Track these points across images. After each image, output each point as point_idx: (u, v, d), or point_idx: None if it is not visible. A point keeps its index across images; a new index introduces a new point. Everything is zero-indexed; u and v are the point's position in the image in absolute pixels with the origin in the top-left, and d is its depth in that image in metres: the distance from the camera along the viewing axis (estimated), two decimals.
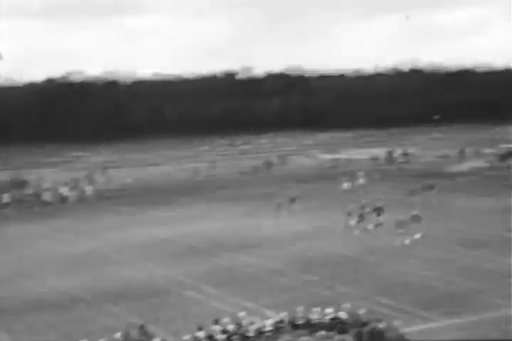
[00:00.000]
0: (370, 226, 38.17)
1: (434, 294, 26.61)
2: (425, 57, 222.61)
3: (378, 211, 38.16)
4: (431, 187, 47.73)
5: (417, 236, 36.17)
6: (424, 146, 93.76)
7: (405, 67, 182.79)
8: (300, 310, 22.29)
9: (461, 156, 79.43)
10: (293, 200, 44.19)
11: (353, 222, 38.38)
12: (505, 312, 24.18)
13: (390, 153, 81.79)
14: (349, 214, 39.36)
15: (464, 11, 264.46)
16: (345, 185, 57.65)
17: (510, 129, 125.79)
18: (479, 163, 70.62)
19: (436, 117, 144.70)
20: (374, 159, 79.82)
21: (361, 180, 59.24)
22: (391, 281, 28.65)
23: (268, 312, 24.62)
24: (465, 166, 69.91)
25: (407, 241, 35.44)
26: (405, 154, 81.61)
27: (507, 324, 22.94)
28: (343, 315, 21.81)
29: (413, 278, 29.04)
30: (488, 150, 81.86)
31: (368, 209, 38.60)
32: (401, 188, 55.51)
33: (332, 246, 35.54)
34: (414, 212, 36.47)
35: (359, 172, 61.28)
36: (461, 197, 49.98)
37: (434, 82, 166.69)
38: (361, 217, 38.39)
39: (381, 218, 37.93)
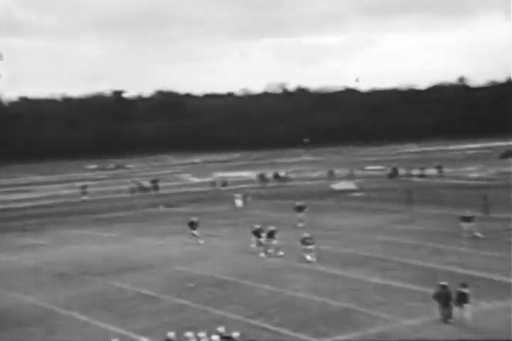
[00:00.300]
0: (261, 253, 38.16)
1: (308, 315, 26.70)
2: (295, 81, 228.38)
3: (272, 234, 38.10)
4: (302, 208, 48.40)
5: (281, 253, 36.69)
6: (295, 169, 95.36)
7: (275, 89, 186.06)
8: (171, 335, 21.79)
9: (331, 178, 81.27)
10: (192, 224, 43.43)
11: (253, 245, 38.27)
12: (377, 329, 24.56)
13: (262, 176, 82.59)
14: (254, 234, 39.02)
15: (332, 37, 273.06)
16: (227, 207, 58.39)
17: (374, 151, 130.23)
18: (348, 185, 72.38)
19: (306, 140, 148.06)
20: (247, 182, 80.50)
21: (238, 202, 59.50)
22: (266, 303, 28.58)
23: (139, 338, 23.99)
24: (335, 187, 71.50)
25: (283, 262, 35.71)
26: (277, 176, 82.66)
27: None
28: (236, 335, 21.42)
29: (287, 298, 29.08)
30: (357, 172, 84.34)
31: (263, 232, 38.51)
32: (277, 210, 56.32)
33: (208, 269, 35.21)
34: (305, 234, 36.68)
35: (236, 195, 61.50)
36: (331, 217, 50.95)
37: (305, 105, 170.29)
38: (259, 241, 38.28)
39: (275, 241, 37.93)
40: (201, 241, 42.00)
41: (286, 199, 62.57)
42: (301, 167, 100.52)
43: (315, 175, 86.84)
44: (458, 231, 41.43)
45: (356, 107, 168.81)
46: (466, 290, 24.63)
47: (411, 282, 30.49)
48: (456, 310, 24.76)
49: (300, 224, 45.22)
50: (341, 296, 28.98)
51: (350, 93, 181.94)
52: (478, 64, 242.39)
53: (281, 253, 37.33)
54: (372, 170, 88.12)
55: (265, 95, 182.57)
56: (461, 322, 24.46)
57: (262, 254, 37.66)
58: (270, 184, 79.57)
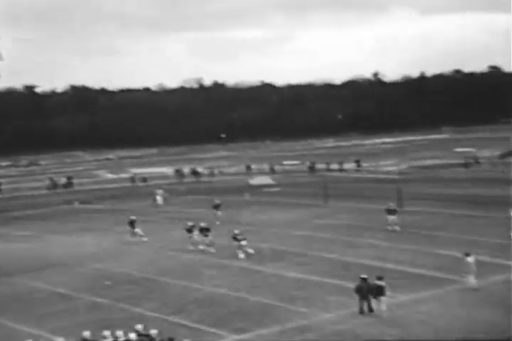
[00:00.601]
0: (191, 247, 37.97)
1: (227, 310, 26.75)
2: (211, 76, 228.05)
3: (204, 230, 37.89)
4: (218, 206, 48.32)
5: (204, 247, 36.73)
6: (213, 164, 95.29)
7: (191, 84, 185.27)
8: (87, 334, 21.47)
9: (248, 173, 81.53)
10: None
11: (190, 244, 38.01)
12: (295, 323, 24.80)
13: (179, 172, 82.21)
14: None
15: (250, 31, 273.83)
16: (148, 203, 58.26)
17: (291, 146, 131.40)
18: (266, 180, 72.78)
19: (223, 136, 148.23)
20: (164, 177, 79.98)
21: (159, 199, 58.93)
22: (184, 300, 28.49)
23: (54, 338, 23.56)
24: (252, 182, 71.77)
25: (199, 258, 35.67)
26: (194, 172, 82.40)
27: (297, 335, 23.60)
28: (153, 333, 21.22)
29: (206, 295, 29.05)
30: (275, 167, 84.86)
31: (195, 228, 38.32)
32: (195, 206, 56.20)
33: (125, 267, 34.84)
34: (236, 231, 36.61)
35: (157, 191, 60.85)
36: (249, 212, 51.13)
37: (222, 100, 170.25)
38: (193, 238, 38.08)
39: (209, 237, 37.70)
40: (145, 239, 41.26)
41: (204, 195, 62.50)
42: (218, 162, 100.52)
43: (232, 170, 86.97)
44: (374, 225, 42.29)
45: (273, 102, 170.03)
46: (382, 283, 25.12)
47: (328, 276, 30.90)
48: (373, 303, 25.23)
49: (217, 222, 45.19)
50: (260, 291, 29.14)
51: (267, 88, 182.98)
52: (392, 59, 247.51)
53: (212, 250, 37.14)
54: (289, 164, 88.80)
55: (181, 90, 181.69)
56: (378, 314, 24.94)
57: (200, 247, 37.45)
58: (187, 179, 79.30)
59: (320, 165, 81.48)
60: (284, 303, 27.21)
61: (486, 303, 25.76)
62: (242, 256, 35.41)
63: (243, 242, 35.79)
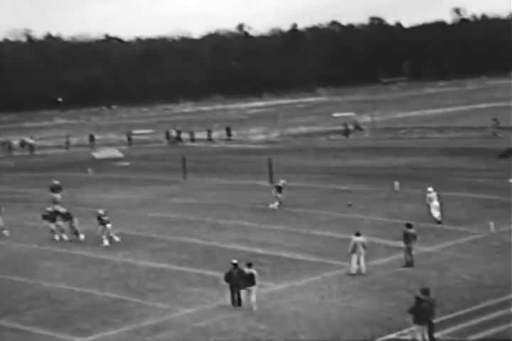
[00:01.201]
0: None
1: (68, 309, 26.37)
2: (42, 27, 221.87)
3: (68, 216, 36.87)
4: (57, 188, 47.27)
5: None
6: (48, 134, 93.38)
7: (18, 37, 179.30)
8: None
9: (92, 145, 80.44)
10: None
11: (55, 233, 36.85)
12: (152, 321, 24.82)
13: (7, 144, 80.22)
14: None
15: None
16: None
17: (143, 113, 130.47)
18: (113, 153, 72.05)
19: (60, 100, 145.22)
20: None
21: None
22: (14, 298, 27.88)
23: None
24: (97, 156, 70.93)
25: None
26: (24, 144, 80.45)
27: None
28: None
29: (42, 291, 28.56)
30: (123, 138, 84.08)
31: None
32: (27, 185, 55.07)
33: None
34: (100, 211, 35.88)
35: None
36: (93, 191, 50.59)
37: (56, 57, 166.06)
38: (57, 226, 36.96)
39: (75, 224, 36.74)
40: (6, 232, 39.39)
41: (39, 172, 61.24)
42: (54, 132, 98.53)
43: (72, 141, 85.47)
44: (241, 204, 42.77)
45: (120, 60, 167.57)
46: (252, 271, 25.42)
47: (189, 264, 30.99)
48: (243, 294, 25.51)
49: (57, 207, 44.24)
50: (108, 285, 28.90)
51: (112, 43, 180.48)
52: (260, 9, 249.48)
53: (82, 236, 36.29)
54: (140, 134, 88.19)
55: (6, 44, 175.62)
56: (247, 307, 25.25)
57: (59, 237, 36.68)
58: (17, 153, 77.45)
59: (182, 135, 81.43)
60: (137, 298, 27.10)
61: (368, 291, 26.57)
62: (106, 243, 35.03)
63: (109, 225, 35.35)
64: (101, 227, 35.40)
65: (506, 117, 69.70)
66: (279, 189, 41.48)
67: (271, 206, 41.23)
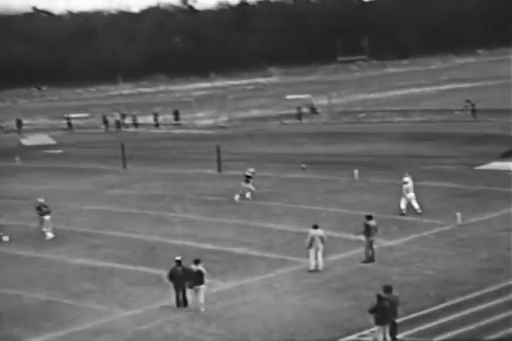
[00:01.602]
0: None
1: None
2: None
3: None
4: None
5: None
6: None
7: None
8: None
9: (20, 131, 79.85)
10: None
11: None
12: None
13: None
14: None
15: None
16: None
17: (77, 94, 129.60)
18: (43, 139, 71.58)
19: None
20: None
21: None
22: None
23: None
24: (25, 142, 70.45)
25: None
26: None
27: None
28: None
29: None
30: (54, 122, 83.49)
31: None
32: None
33: None
34: (40, 200, 35.63)
35: None
36: (20, 182, 50.23)
37: None
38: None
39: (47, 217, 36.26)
40: None
41: None
42: None
43: None
44: (187, 195, 42.80)
45: (49, 36, 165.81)
46: (200, 268, 25.41)
47: (129, 262, 30.93)
48: (188, 294, 25.52)
49: None
50: (38, 285, 28.76)
51: (40, 16, 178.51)
52: None
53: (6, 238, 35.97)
54: (75, 118, 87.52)
55: None
56: (195, 308, 25.27)
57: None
58: None
59: (122, 119, 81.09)
60: (71, 300, 27.00)
61: (326, 289, 26.72)
62: (50, 235, 34.97)
63: (47, 217, 35.06)
64: (40, 219, 35.16)
65: (475, 99, 70.32)
66: (247, 178, 41.36)
67: (236, 198, 41.01)
